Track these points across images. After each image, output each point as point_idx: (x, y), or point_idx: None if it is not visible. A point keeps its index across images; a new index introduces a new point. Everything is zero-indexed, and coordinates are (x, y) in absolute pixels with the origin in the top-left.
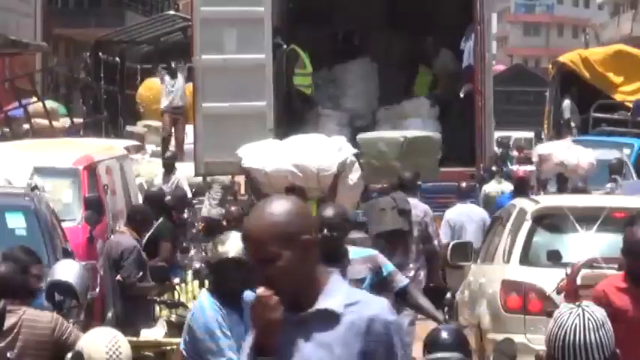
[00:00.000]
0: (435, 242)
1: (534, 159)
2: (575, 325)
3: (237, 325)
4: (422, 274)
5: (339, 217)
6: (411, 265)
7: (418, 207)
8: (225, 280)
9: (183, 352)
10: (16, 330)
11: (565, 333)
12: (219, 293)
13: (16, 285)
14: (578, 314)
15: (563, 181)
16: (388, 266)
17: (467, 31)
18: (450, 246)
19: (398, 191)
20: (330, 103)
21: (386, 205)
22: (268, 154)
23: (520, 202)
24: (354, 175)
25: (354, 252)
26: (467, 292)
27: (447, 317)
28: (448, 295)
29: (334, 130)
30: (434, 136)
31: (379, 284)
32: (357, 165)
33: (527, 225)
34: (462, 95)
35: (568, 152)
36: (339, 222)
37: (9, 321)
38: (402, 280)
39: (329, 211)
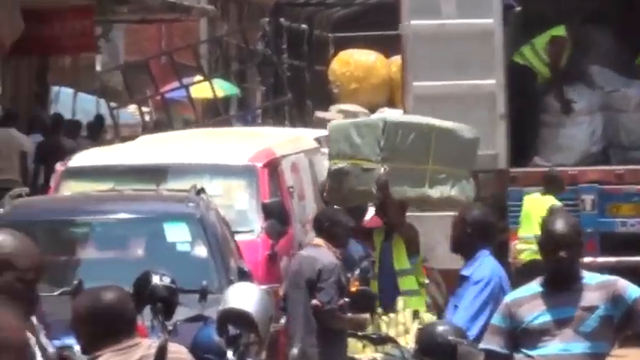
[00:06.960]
0: None
1: None
2: None
3: None
4: None
5: (573, 231)
6: None
7: None
8: None
9: None
10: None
11: None
12: None
13: (131, 317)
14: None
15: None
16: (632, 292)
17: None
18: None
19: None
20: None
21: None
22: None
23: None
24: None
25: (588, 277)
26: None
27: None
28: None
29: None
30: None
31: (625, 317)
32: None
33: None
34: None
35: None
36: (573, 236)
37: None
38: None
39: (559, 225)
